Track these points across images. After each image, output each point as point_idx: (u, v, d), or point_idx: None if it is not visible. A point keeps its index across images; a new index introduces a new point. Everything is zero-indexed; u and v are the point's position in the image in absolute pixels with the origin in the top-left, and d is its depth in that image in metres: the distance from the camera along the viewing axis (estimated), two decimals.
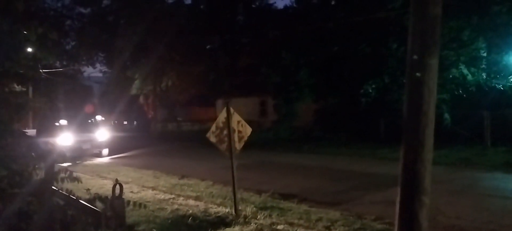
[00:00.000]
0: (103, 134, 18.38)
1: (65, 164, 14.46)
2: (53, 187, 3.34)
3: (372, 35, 18.63)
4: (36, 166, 3.33)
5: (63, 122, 17.90)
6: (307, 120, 24.12)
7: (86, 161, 16.44)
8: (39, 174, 3.37)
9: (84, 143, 17.34)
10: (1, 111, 3.45)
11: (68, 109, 24.18)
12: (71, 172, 3.11)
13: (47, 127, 18.03)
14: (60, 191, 3.33)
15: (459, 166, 12.39)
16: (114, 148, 19.19)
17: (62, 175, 3.15)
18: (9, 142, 2.99)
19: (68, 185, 3.35)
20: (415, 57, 3.48)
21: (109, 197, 3.23)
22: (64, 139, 16.70)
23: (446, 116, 16.94)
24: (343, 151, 16.83)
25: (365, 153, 15.76)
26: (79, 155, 16.75)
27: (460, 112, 16.56)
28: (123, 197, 2.81)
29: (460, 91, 17.22)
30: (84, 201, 3.27)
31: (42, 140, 17.56)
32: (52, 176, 3.15)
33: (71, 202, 3.19)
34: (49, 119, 19.83)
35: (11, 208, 3.03)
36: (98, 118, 20.17)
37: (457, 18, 15.81)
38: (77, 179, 3.26)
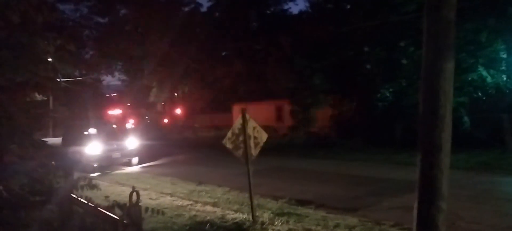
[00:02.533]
0: (132, 142, 17.75)
1: (94, 174, 14.42)
2: (72, 195, 3.42)
3: (387, 39, 18.51)
4: (56, 174, 3.40)
5: (92, 130, 17.14)
6: (323, 125, 24.03)
7: (116, 170, 16.08)
8: (60, 182, 3.45)
9: (113, 152, 16.70)
10: (22, 121, 3.54)
11: (93, 118, 23.94)
12: (90, 180, 3.18)
13: (74, 136, 17.61)
14: (79, 198, 3.40)
15: (478, 170, 12.17)
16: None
17: (82, 182, 3.23)
18: (29, 151, 3.08)
19: (87, 193, 3.42)
20: (429, 61, 3.47)
21: (127, 204, 3.30)
22: (93, 148, 16.17)
23: (465, 119, 16.68)
24: (359, 156, 16.69)
25: (382, 158, 15.61)
26: (108, 164, 16.37)
27: (479, 115, 16.27)
28: (140, 204, 2.85)
29: (479, 94, 16.95)
30: (103, 208, 3.33)
31: (68, 149, 16.98)
32: (71, 184, 3.22)
33: (89, 209, 3.26)
34: (76, 127, 19.29)
35: (32, 215, 3.12)
36: (128, 125, 19.43)
37: (473, 21, 15.59)
38: (96, 187, 3.34)
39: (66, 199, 3.26)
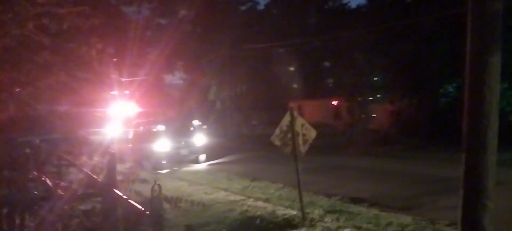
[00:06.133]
0: (200, 138, 17.67)
1: (163, 171, 14.91)
2: (113, 189, 3.70)
3: (450, 32, 17.61)
4: (100, 169, 3.71)
5: (160, 127, 17.20)
6: (382, 122, 23.36)
7: (184, 167, 16.19)
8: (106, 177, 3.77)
9: (181, 149, 16.76)
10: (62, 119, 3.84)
11: (161, 115, 24.35)
12: (138, 174, 3.41)
13: (143, 133, 17.86)
14: (115, 191, 3.65)
15: None
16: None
17: (132, 177, 3.48)
18: (75, 147, 3.37)
19: (137, 187, 3.66)
20: (474, 56, 3.35)
21: (173, 198, 3.52)
22: (162, 144, 16.29)
23: None
24: (421, 154, 16.09)
25: (445, 156, 14.87)
26: (177, 161, 16.43)
27: None
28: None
29: None
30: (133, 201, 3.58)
31: (137, 146, 17.22)
32: (113, 177, 3.50)
33: (123, 201, 3.51)
34: (145, 125, 19.64)
35: (82, 206, 3.44)
36: (195, 122, 19.45)
37: None
38: (145, 181, 3.58)
39: (108, 192, 3.53)
